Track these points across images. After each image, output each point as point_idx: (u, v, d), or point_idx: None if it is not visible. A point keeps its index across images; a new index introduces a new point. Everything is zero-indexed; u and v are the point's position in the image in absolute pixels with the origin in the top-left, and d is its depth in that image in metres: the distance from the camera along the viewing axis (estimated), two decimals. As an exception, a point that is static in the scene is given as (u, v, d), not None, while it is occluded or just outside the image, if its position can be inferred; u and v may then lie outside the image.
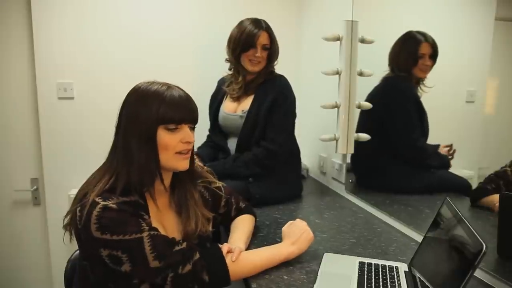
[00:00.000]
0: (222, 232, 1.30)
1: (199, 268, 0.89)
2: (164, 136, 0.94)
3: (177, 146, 0.96)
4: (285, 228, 1.13)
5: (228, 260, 0.95)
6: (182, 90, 1.00)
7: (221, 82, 1.80)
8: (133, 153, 0.93)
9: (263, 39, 1.59)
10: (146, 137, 0.93)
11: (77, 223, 0.88)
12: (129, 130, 0.94)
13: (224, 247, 0.98)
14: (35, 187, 2.11)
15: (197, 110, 1.01)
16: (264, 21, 1.64)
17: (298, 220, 1.15)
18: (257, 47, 1.59)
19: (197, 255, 0.91)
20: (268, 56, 1.62)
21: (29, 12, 1.95)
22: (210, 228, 1.09)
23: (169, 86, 0.97)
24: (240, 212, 1.24)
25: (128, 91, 0.98)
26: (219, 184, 1.21)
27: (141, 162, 0.93)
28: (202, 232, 1.05)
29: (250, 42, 1.58)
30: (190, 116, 0.97)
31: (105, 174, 0.94)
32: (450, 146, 1.23)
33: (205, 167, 1.23)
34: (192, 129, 1.00)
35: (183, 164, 0.99)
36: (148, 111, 0.93)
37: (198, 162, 1.20)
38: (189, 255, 0.90)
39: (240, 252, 0.99)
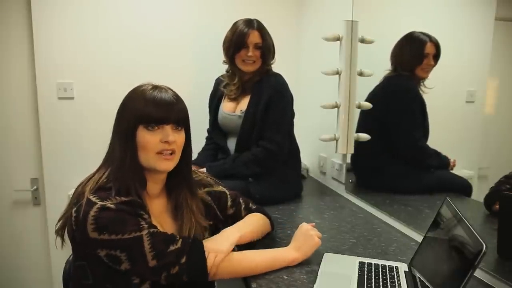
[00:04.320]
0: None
1: (184, 271, 0.89)
2: (143, 135, 0.93)
3: (156, 146, 0.93)
4: (296, 231, 1.10)
5: (211, 256, 0.92)
6: (172, 91, 0.98)
7: (218, 82, 1.79)
8: (116, 151, 0.94)
9: (254, 38, 1.59)
10: (126, 135, 0.93)
11: (72, 224, 0.87)
12: (115, 129, 0.97)
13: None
14: (35, 187, 2.11)
15: (183, 112, 0.98)
16: (257, 21, 1.63)
17: (304, 224, 1.10)
18: (248, 47, 1.58)
19: (185, 258, 0.89)
20: (261, 55, 1.61)
21: (29, 12, 1.95)
22: (206, 236, 1.06)
23: (157, 87, 0.96)
24: (251, 212, 1.21)
25: None
26: (222, 189, 1.19)
27: (122, 160, 0.93)
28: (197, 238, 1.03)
29: (241, 42, 1.58)
30: (173, 117, 0.94)
31: (97, 171, 0.95)
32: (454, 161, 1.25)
33: (204, 173, 1.21)
34: (178, 130, 0.97)
35: (163, 165, 0.95)
36: (130, 109, 0.94)
37: (200, 170, 1.19)
38: (180, 256, 0.89)
39: (224, 255, 0.95)
